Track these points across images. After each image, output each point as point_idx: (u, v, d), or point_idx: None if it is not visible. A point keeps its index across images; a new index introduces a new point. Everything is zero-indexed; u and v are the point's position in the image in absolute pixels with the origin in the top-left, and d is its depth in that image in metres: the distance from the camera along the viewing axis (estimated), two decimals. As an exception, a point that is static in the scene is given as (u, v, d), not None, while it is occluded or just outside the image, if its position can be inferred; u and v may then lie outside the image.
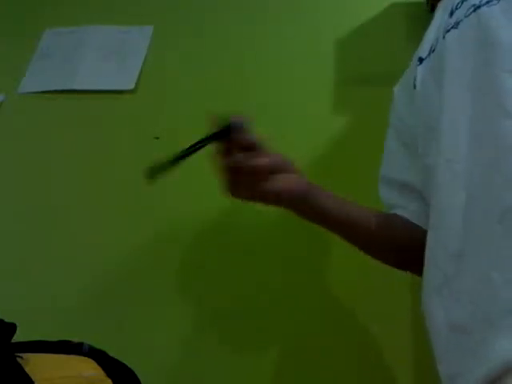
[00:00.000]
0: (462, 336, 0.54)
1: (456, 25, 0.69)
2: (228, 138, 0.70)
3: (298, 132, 1.32)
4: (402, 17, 1.51)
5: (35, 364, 0.59)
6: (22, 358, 0.58)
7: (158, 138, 1.36)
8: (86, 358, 0.65)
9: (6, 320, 0.60)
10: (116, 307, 1.12)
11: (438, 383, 0.98)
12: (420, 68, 0.78)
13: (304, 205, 0.73)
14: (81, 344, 0.68)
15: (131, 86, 1.46)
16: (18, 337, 0.60)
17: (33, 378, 0.55)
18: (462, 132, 0.62)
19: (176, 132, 1.37)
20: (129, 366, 0.71)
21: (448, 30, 0.71)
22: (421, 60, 0.79)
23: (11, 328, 0.59)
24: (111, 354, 0.69)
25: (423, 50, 0.80)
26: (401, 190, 0.81)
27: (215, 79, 1.45)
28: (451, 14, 0.73)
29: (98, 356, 0.67)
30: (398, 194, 0.82)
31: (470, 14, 0.67)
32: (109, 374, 0.65)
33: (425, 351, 1.00)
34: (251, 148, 0.69)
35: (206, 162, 1.31)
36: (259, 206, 1.20)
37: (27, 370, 0.56)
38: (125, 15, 1.64)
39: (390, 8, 1.54)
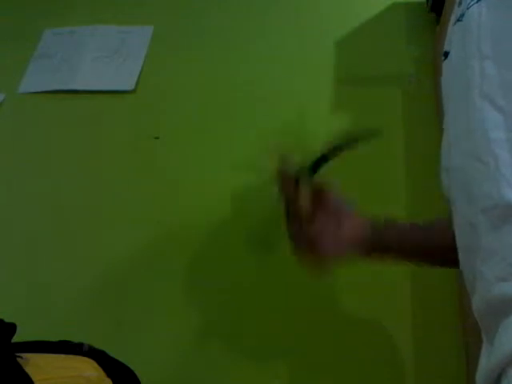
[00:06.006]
0: None
1: (461, 17, 0.69)
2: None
3: (298, 132, 1.32)
4: (402, 17, 1.52)
5: (35, 364, 0.59)
6: (21, 357, 0.58)
7: (157, 138, 1.36)
8: (86, 358, 0.65)
9: (6, 320, 0.60)
10: (116, 307, 1.12)
11: (437, 382, 0.98)
12: (444, 64, 0.76)
13: (368, 250, 0.73)
14: (81, 344, 0.68)
15: (131, 86, 1.46)
16: (18, 337, 0.60)
17: (33, 378, 0.55)
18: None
19: (176, 132, 1.37)
20: (129, 365, 0.71)
21: (456, 22, 0.68)
22: (446, 55, 0.77)
23: (11, 328, 0.59)
24: (111, 354, 0.69)
25: (447, 42, 0.78)
26: None
27: (215, 79, 1.45)
28: (460, 3, 0.69)
29: (98, 356, 0.67)
30: None
31: (471, 7, 0.65)
32: (109, 374, 0.65)
33: (425, 350, 1.01)
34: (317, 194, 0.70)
35: (205, 162, 1.31)
36: (260, 205, 1.21)
37: (27, 370, 0.56)
38: (125, 15, 1.64)
39: (390, 8, 1.54)
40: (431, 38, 1.45)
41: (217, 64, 1.49)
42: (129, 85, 1.47)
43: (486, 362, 0.51)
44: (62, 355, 0.65)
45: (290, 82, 1.42)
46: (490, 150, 0.54)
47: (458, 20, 0.68)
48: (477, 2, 0.64)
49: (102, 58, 1.55)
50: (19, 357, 0.58)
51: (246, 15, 1.59)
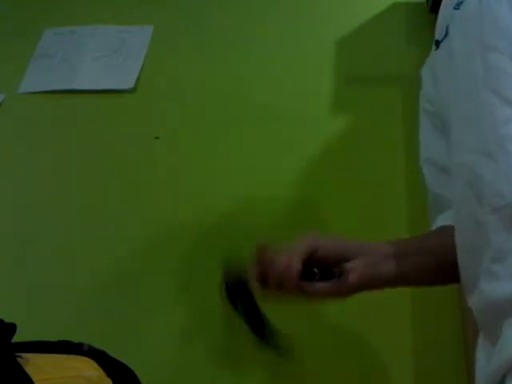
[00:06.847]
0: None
1: (458, 5, 0.66)
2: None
3: (298, 132, 1.32)
4: (402, 17, 1.52)
5: (35, 364, 0.59)
6: (22, 357, 0.58)
7: (157, 138, 1.36)
8: (86, 358, 0.65)
9: (6, 320, 0.60)
10: (116, 307, 1.12)
11: (437, 383, 0.98)
12: (437, 53, 0.75)
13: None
14: (81, 344, 0.68)
15: (131, 86, 1.46)
16: (18, 337, 0.60)
17: (33, 378, 0.56)
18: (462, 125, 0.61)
19: (176, 132, 1.37)
20: (129, 365, 0.71)
21: (452, 10, 0.67)
22: (437, 44, 0.75)
23: (11, 328, 0.59)
24: (111, 354, 0.69)
25: (439, 32, 0.75)
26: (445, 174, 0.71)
27: (215, 79, 1.45)
28: None
29: (98, 356, 0.67)
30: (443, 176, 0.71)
31: None
32: (109, 374, 0.65)
33: (425, 350, 1.01)
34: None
35: (204, 162, 1.31)
36: (259, 206, 1.21)
37: (27, 370, 0.56)
38: (125, 15, 1.64)
39: (390, 8, 1.54)
40: (431, 38, 1.45)
41: (217, 64, 1.49)
42: (129, 85, 1.47)
43: (487, 362, 0.51)
44: (62, 355, 0.65)
45: (290, 82, 1.42)
46: (501, 146, 0.52)
47: (455, 8, 0.67)
48: None
49: (101, 57, 1.55)
50: (19, 357, 0.58)
51: (246, 15, 1.59)
